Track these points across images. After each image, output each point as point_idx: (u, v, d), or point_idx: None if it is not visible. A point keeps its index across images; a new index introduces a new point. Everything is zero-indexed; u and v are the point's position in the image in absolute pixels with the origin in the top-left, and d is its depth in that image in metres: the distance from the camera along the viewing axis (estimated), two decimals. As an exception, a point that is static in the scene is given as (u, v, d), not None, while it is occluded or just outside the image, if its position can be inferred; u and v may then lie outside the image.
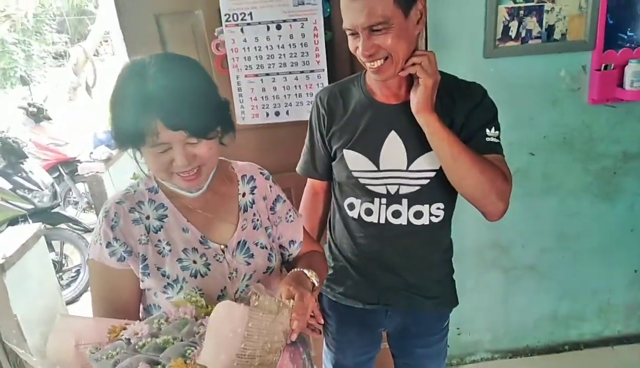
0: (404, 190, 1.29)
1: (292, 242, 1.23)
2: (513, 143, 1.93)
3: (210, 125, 0.97)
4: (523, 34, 1.89)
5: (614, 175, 2.14)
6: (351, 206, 1.36)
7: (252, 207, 1.15)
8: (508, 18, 1.87)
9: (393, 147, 1.27)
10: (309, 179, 1.52)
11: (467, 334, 2.39)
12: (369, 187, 1.31)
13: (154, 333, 0.81)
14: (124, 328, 0.85)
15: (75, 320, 0.92)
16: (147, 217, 1.05)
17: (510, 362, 2.43)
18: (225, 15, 1.77)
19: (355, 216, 1.35)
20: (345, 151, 1.31)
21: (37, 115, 4.81)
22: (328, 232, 1.51)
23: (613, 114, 2.03)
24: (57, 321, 0.87)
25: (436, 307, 1.44)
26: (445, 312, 1.49)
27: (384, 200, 1.31)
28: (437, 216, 1.32)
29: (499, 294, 2.34)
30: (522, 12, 1.87)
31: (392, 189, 1.29)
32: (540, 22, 1.88)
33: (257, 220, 1.16)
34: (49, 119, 4.99)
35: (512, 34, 1.89)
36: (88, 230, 4.17)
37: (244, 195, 1.16)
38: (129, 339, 0.82)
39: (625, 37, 1.94)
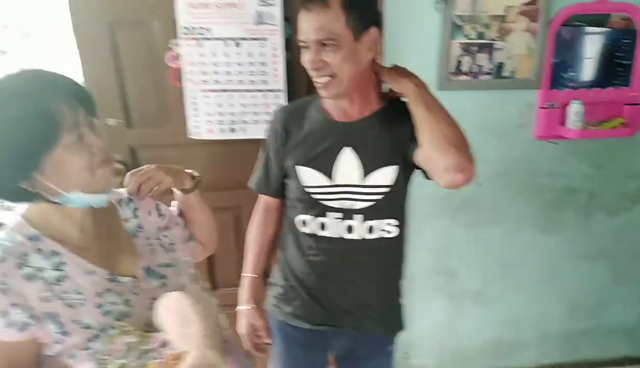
0: (358, 205, 1.30)
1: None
2: (462, 173, 1.98)
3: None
4: (475, 69, 1.97)
5: (556, 208, 2.24)
6: (304, 223, 1.35)
7: (141, 231, 1.09)
8: (461, 53, 1.94)
9: (347, 162, 1.29)
10: (260, 196, 1.51)
11: (414, 358, 2.40)
12: (323, 202, 1.31)
13: None
14: None
15: None
16: (40, 270, 0.89)
17: (453, 388, 2.46)
18: (183, 27, 1.74)
19: (309, 232, 1.35)
20: (298, 168, 1.32)
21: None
22: (279, 253, 1.50)
23: (556, 150, 2.12)
24: None
25: (383, 329, 1.45)
26: (393, 335, 1.49)
27: (338, 215, 1.31)
28: (389, 232, 1.33)
29: (445, 319, 2.37)
30: (474, 48, 1.94)
31: (346, 204, 1.30)
32: (491, 59, 1.96)
33: (151, 242, 1.10)
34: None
35: (465, 68, 1.96)
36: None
37: (126, 220, 1.09)
38: None
39: (567, 76, 2.05)
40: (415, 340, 2.34)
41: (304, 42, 1.19)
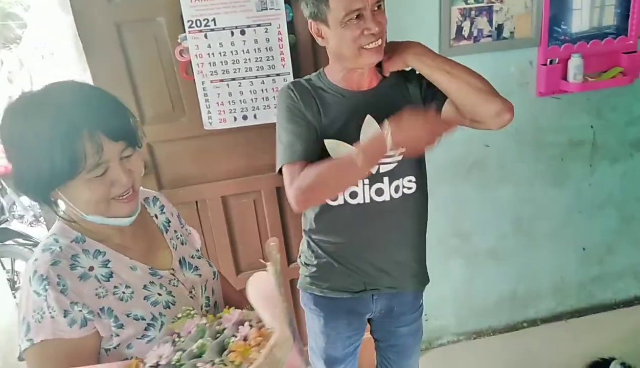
0: (383, 168, 1.35)
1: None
2: (469, 137, 2.03)
3: (138, 134, 0.96)
4: (475, 33, 2.00)
5: (562, 162, 2.31)
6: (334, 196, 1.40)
7: (169, 226, 1.15)
8: (461, 18, 1.97)
9: (370, 130, 1.32)
10: (298, 166, 1.31)
11: (434, 319, 2.50)
12: None
13: (177, 350, 0.80)
14: (141, 361, 0.82)
15: None
16: (91, 269, 0.94)
17: (474, 343, 2.57)
18: (188, 21, 1.76)
19: (341, 202, 1.39)
20: (325, 141, 1.34)
21: (-26, 127, 4.54)
22: (304, 234, 1.54)
23: (559, 105, 2.18)
24: None
25: (416, 285, 1.55)
26: (422, 289, 1.60)
27: (366, 181, 1.36)
28: (409, 188, 1.40)
29: (462, 280, 2.46)
30: (473, 12, 1.97)
31: (374, 169, 1.35)
32: (490, 21, 2.00)
33: (180, 235, 1.16)
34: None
35: (465, 33, 1.99)
36: (38, 244, 4.01)
37: (156, 217, 1.14)
38: (157, 363, 0.78)
39: (560, 30, 2.08)
40: (434, 302, 2.42)
41: (357, 10, 1.20)
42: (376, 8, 1.22)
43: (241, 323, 0.82)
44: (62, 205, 0.95)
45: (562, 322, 2.63)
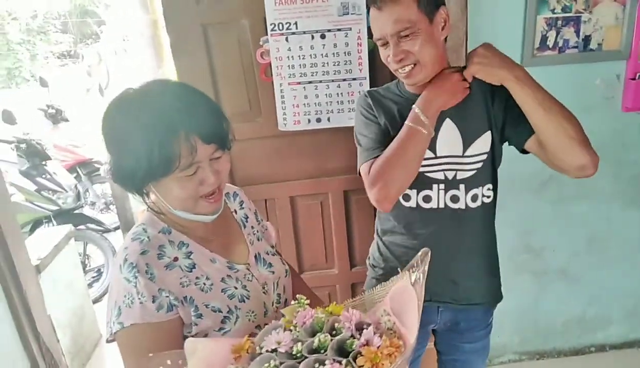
0: (460, 175, 1.33)
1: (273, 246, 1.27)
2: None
3: (229, 136, 1.00)
4: (560, 44, 1.93)
5: (644, 181, 2.19)
6: (407, 197, 1.38)
7: (247, 221, 1.19)
8: (546, 28, 1.91)
9: (449, 134, 1.32)
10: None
11: (496, 336, 2.41)
12: (428, 174, 1.34)
13: (295, 339, 0.77)
14: (252, 343, 0.81)
15: (200, 344, 0.85)
16: (176, 259, 0.99)
17: (537, 364, 2.47)
18: (271, 24, 1.80)
19: (414, 205, 1.38)
20: None
21: (56, 116, 4.86)
22: (375, 235, 1.55)
23: (645, 122, 2.07)
24: (186, 344, 0.80)
25: (487, 299, 1.50)
26: (493, 307, 1.55)
27: (442, 186, 1.35)
28: (487, 197, 1.37)
29: (529, 297, 2.38)
30: (560, 22, 1.91)
31: (450, 175, 1.34)
32: (577, 32, 1.92)
33: (257, 231, 1.19)
34: (67, 120, 5.04)
35: (550, 43, 1.93)
36: (108, 230, 4.22)
37: (235, 212, 1.18)
38: (274, 349, 0.77)
39: None
40: (498, 317, 2.32)
41: (381, 39, 1.24)
42: (402, 36, 1.19)
43: (360, 325, 0.79)
44: (152, 196, 1.01)
45: (633, 350, 2.49)
